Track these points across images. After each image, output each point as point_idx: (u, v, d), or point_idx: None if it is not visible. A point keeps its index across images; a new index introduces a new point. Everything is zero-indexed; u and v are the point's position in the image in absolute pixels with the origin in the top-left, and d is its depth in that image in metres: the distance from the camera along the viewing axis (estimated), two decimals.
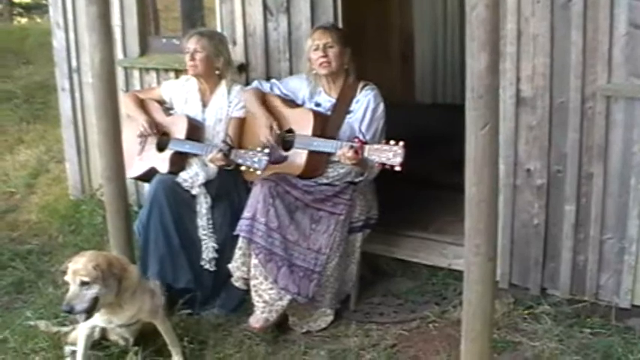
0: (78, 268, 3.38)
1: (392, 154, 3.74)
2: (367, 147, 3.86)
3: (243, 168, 4.19)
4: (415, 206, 5.14)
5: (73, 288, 3.38)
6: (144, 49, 5.48)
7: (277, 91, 4.50)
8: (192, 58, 4.45)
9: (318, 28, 4.30)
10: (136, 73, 5.49)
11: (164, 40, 5.47)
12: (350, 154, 3.88)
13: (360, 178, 4.22)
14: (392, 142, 3.78)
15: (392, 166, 3.74)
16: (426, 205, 5.14)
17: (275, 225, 4.02)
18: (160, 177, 4.40)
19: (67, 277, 3.41)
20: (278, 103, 4.41)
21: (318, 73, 4.30)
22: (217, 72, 4.55)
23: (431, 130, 6.38)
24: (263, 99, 4.44)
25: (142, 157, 4.55)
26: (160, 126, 4.59)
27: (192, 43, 4.47)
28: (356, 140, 3.93)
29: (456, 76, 7.77)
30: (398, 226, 4.80)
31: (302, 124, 4.24)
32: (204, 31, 4.60)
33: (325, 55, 4.21)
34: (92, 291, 3.38)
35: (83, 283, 3.37)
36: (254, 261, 4.04)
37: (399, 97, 7.08)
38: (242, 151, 4.19)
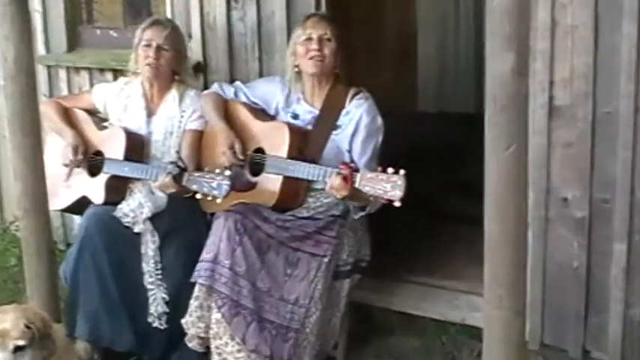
0: (6, 328, 3.29)
1: (390, 186, 3.69)
2: (359, 175, 3.82)
3: (199, 196, 4.14)
4: (419, 243, 5.10)
5: (4, 355, 3.29)
6: (73, 43, 5.46)
7: (243, 98, 4.47)
8: (157, 56, 4.41)
9: (312, 16, 4.30)
10: (62, 74, 5.48)
11: (99, 32, 5.44)
12: (338, 182, 3.86)
13: (361, 214, 4.16)
14: (390, 170, 3.74)
15: (390, 201, 3.71)
16: (432, 242, 5.12)
17: (242, 269, 3.99)
18: (93, 210, 4.36)
19: None
20: (244, 114, 4.39)
21: (307, 71, 4.26)
22: (177, 76, 4.56)
23: (437, 146, 6.42)
24: (225, 107, 4.43)
25: (70, 184, 4.50)
26: (91, 143, 4.54)
27: (156, 36, 4.42)
28: (344, 167, 3.90)
29: (470, 80, 7.85)
30: (397, 269, 4.79)
31: (275, 141, 4.21)
32: (166, 20, 4.58)
33: (320, 49, 4.18)
34: (26, 357, 3.33)
35: (18, 349, 3.30)
36: (216, 315, 3.99)
37: (397, 105, 6.84)
38: (197, 174, 4.14)
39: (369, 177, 3.79)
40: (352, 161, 4.11)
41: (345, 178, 3.84)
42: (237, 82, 4.59)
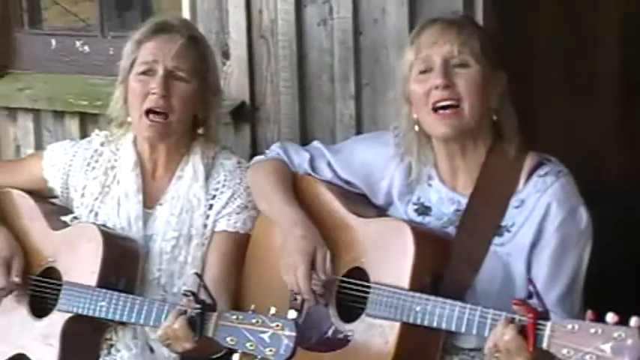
0: None
1: (610, 349, 3.12)
2: (549, 326, 3.26)
3: (237, 357, 3.59)
4: None
5: None
6: (4, 61, 5.42)
7: (327, 174, 4.06)
8: (165, 92, 3.88)
9: (432, 23, 3.78)
10: None
11: (53, 42, 5.30)
12: (509, 337, 3.31)
13: None
14: (610, 317, 3.12)
15: None
16: None
17: None
18: None
19: None
20: (330, 202, 4.02)
21: (433, 132, 3.76)
22: (201, 130, 4.10)
23: None
24: (293, 187, 4.05)
25: None
26: (38, 254, 4.20)
27: (163, 52, 3.96)
28: (520, 307, 3.38)
29: None
30: None
31: (387, 257, 3.76)
32: (180, 23, 4.11)
33: (447, 86, 3.59)
34: None
35: None
36: None
37: (625, 174, 6.53)
38: (235, 317, 3.62)
39: (568, 329, 3.25)
40: (532, 295, 3.48)
41: (523, 331, 3.30)
42: (316, 144, 4.20)
